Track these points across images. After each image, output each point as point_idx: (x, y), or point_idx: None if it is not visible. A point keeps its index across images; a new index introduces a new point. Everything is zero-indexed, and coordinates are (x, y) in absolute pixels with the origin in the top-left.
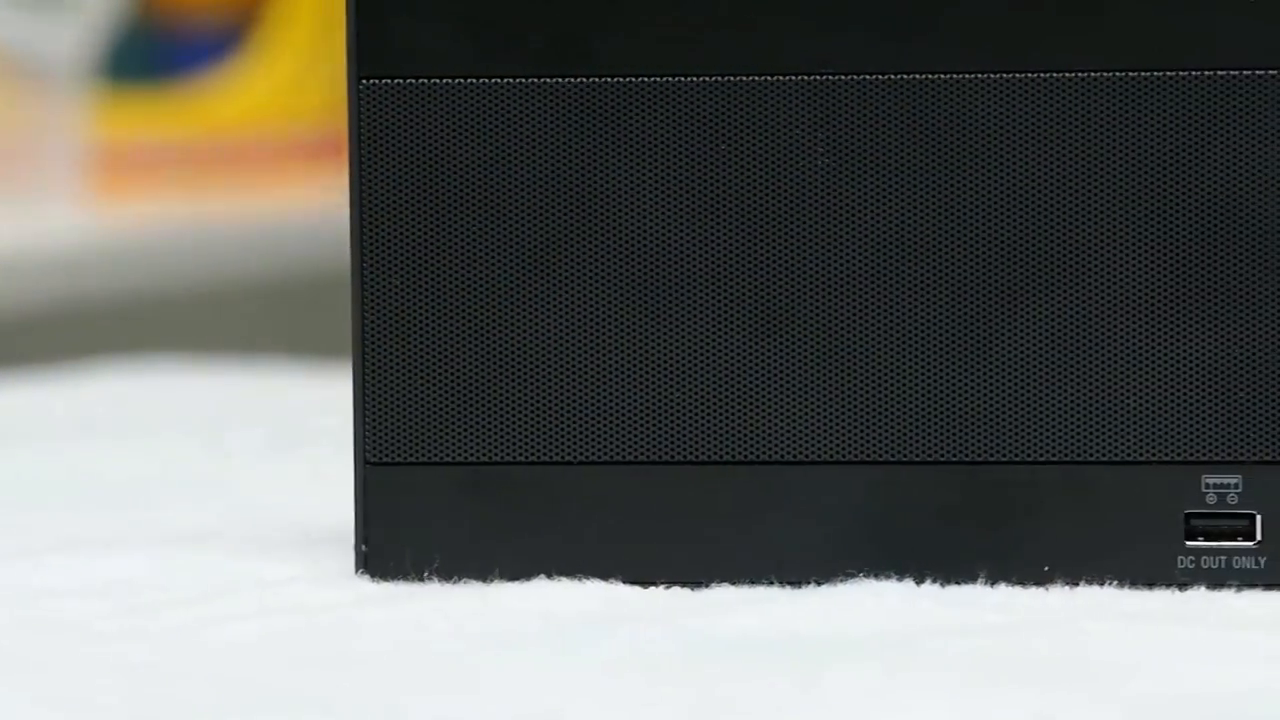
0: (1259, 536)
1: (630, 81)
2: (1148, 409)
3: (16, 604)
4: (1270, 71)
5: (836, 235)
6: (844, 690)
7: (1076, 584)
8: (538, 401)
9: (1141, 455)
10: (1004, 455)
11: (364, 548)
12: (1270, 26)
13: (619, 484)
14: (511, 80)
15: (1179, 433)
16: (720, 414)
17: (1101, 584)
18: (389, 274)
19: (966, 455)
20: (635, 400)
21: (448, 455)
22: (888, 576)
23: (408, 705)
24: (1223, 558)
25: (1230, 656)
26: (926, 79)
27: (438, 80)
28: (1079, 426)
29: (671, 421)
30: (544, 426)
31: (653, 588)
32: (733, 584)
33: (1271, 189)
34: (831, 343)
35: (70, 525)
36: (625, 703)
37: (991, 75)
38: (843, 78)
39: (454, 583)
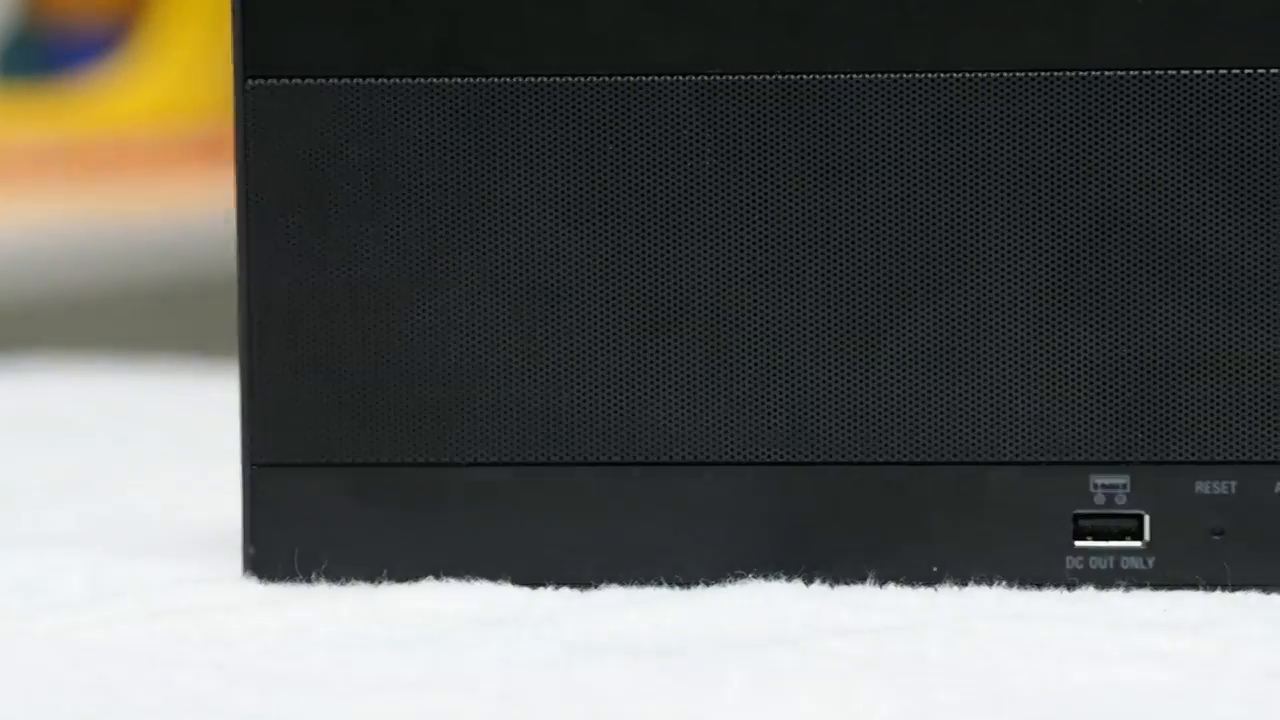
0: (1147, 537)
1: (516, 82)
2: (1036, 410)
3: None
4: (1156, 72)
5: (725, 235)
6: (732, 690)
7: (965, 584)
8: (425, 403)
9: (1030, 456)
10: (893, 456)
11: (251, 550)
12: (1156, 27)
13: (507, 485)
14: (398, 81)
15: (1067, 433)
16: (609, 415)
17: (990, 584)
18: (275, 275)
19: (855, 456)
20: (523, 401)
21: (335, 457)
22: (777, 577)
23: (293, 706)
24: (1111, 558)
25: (1117, 656)
26: (814, 79)
27: (324, 81)
28: (968, 427)
29: (560, 422)
30: (432, 427)
31: (541, 589)
32: (622, 585)
33: (1157, 189)
34: (720, 343)
35: None
36: (508, 704)
37: (879, 75)
38: (730, 78)
39: (341, 584)
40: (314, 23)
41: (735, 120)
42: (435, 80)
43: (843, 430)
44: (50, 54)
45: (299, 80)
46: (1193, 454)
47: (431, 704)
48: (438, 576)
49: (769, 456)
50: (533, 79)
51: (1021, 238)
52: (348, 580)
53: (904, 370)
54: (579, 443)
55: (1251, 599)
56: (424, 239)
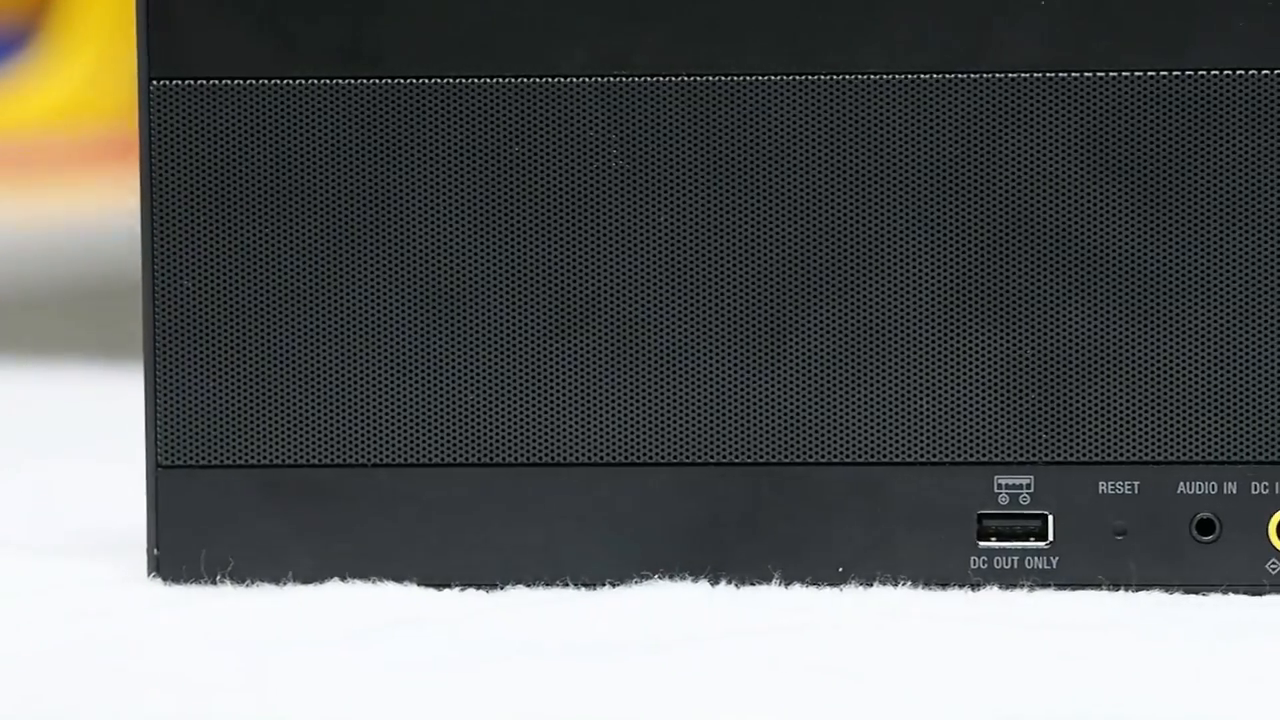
0: (1051, 537)
1: (423, 83)
2: (940, 410)
3: None
4: (1059, 74)
5: (630, 237)
6: (638, 691)
7: (870, 584)
8: (331, 404)
9: (934, 456)
10: (798, 457)
11: (156, 551)
12: (1058, 29)
13: (413, 486)
14: (303, 81)
15: (971, 434)
16: (514, 416)
17: (895, 584)
18: (180, 277)
19: (760, 457)
20: (429, 402)
21: (240, 458)
22: (683, 578)
23: (198, 708)
24: (1015, 558)
25: (1022, 656)
26: (718, 81)
27: (229, 81)
28: (872, 428)
29: (466, 423)
30: (338, 429)
31: (447, 590)
32: (528, 586)
33: (1060, 191)
34: (625, 345)
35: None
36: (412, 705)
37: (783, 77)
38: (635, 79)
39: (247, 586)
40: (219, 23)
41: (640, 122)
42: (341, 81)
43: (748, 431)
44: None
45: (204, 81)
46: (1096, 454)
47: (337, 705)
48: (343, 578)
49: (674, 458)
50: (439, 80)
51: (925, 239)
52: (253, 582)
53: (808, 371)
54: (484, 444)
55: (1154, 598)
56: (329, 240)
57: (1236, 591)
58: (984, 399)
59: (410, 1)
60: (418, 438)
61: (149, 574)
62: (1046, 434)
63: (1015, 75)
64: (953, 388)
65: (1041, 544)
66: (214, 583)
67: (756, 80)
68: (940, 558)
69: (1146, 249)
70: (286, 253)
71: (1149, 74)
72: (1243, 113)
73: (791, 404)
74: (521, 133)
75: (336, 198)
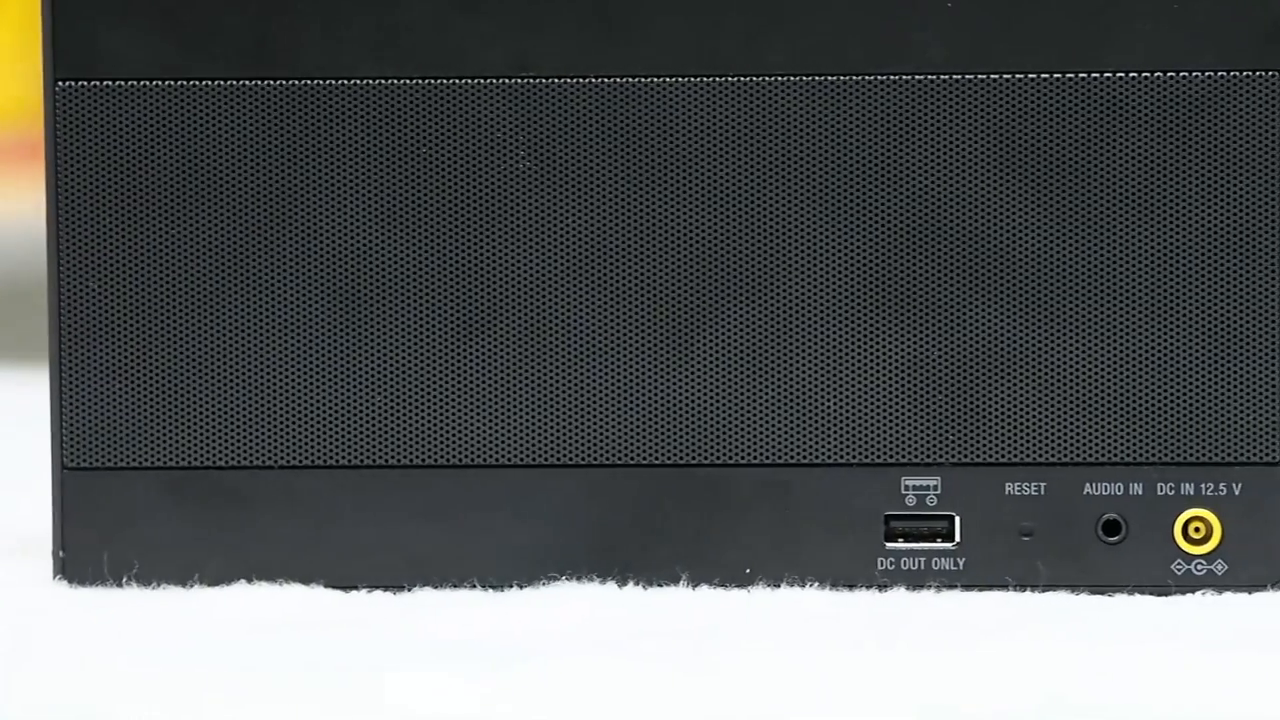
0: (958, 538)
1: (330, 84)
2: (847, 412)
3: None
4: (967, 76)
5: (539, 238)
6: (545, 692)
7: (778, 586)
8: (238, 406)
9: (841, 457)
10: (705, 458)
11: (61, 553)
12: (967, 31)
13: (320, 488)
14: (210, 82)
15: (878, 435)
16: (422, 418)
17: (803, 586)
18: (86, 278)
19: (668, 458)
20: (336, 404)
21: (147, 460)
22: (590, 580)
23: (102, 711)
24: (922, 559)
25: (928, 656)
26: (627, 82)
27: (135, 82)
28: (780, 429)
29: (373, 425)
30: (244, 431)
31: (354, 592)
32: (435, 588)
33: (969, 193)
34: (533, 346)
35: None
36: (319, 707)
37: (689, 78)
38: (543, 81)
39: (153, 588)
40: (125, 24)
41: (549, 123)
42: (248, 82)
43: (656, 432)
44: None
45: (110, 82)
46: (1002, 455)
47: (244, 707)
48: (250, 580)
49: (582, 459)
50: (346, 81)
51: (833, 241)
52: (159, 584)
53: (716, 373)
54: (391, 446)
55: (1060, 599)
56: (236, 241)
57: (1142, 592)
58: (891, 400)
59: (318, 2)
60: (324, 440)
61: (54, 576)
62: (953, 435)
63: (923, 77)
64: (860, 389)
65: (948, 545)
66: (120, 585)
67: (665, 82)
68: (848, 559)
69: (1053, 251)
70: (193, 254)
71: (1055, 76)
72: (1147, 115)
73: (700, 405)
74: (430, 133)
75: (243, 199)
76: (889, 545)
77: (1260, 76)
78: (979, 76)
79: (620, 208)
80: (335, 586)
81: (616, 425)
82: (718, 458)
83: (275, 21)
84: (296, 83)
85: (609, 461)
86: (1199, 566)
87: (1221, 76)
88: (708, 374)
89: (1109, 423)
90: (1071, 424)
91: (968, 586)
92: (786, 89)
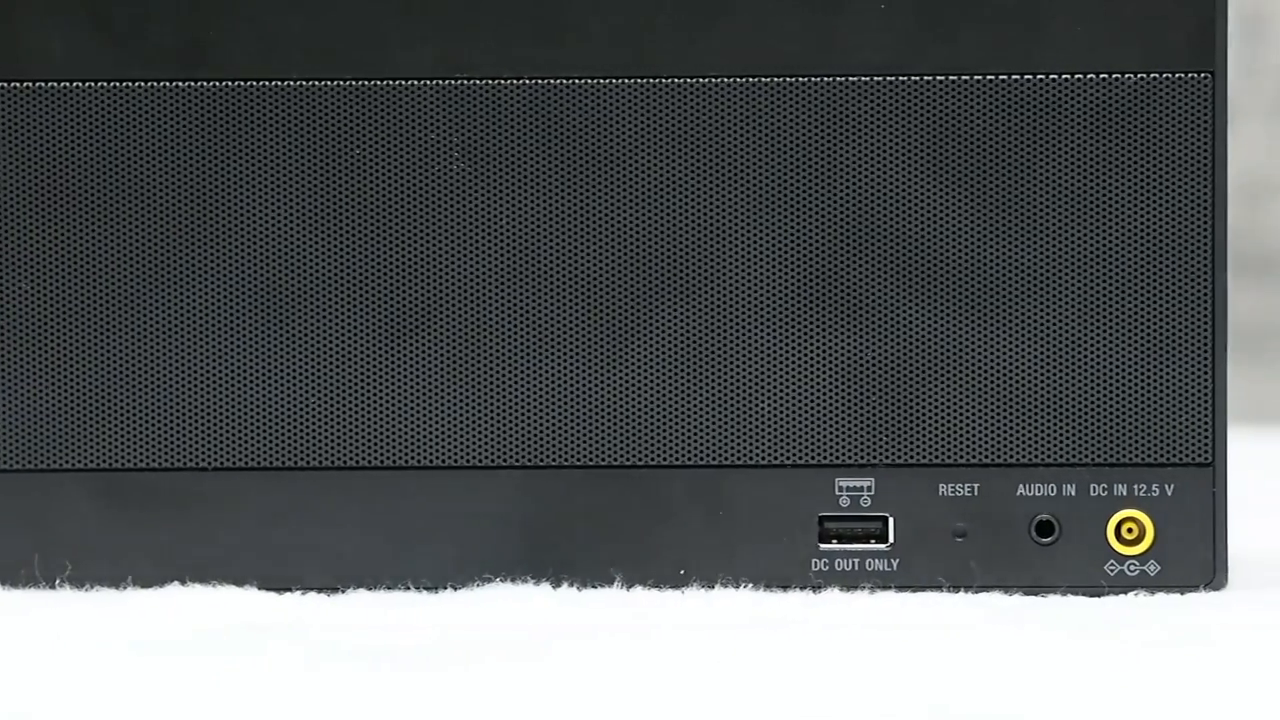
0: (891, 539)
1: (260, 85)
2: (781, 413)
3: None
4: (901, 78)
5: (471, 240)
6: (478, 693)
7: (712, 587)
8: (170, 407)
9: (775, 459)
10: (639, 459)
11: None
12: (900, 33)
13: (254, 490)
14: (139, 84)
15: (812, 436)
16: (356, 419)
17: (737, 586)
18: (14, 279)
19: (602, 460)
20: (269, 406)
21: (78, 462)
22: (525, 580)
23: (36, 713)
24: (856, 560)
25: (862, 657)
26: (560, 84)
27: (64, 84)
28: (714, 430)
29: (306, 427)
30: (176, 433)
31: (288, 594)
32: (369, 589)
33: (903, 194)
34: (466, 348)
35: None
36: (252, 709)
37: (626, 80)
38: (475, 82)
39: (86, 590)
40: (53, 26)
41: (481, 125)
42: (177, 84)
43: (590, 434)
44: None
45: (38, 83)
46: (936, 457)
47: (178, 708)
48: (183, 582)
49: (516, 460)
50: (277, 83)
51: (767, 243)
52: (92, 586)
53: (650, 374)
54: (324, 447)
55: (994, 600)
56: (167, 243)
57: (1075, 593)
58: (825, 402)
59: (248, 4)
60: (257, 441)
61: None
62: (887, 437)
63: (856, 79)
64: (794, 390)
65: (882, 546)
66: (53, 587)
67: (598, 83)
68: (782, 560)
69: (986, 252)
70: (121, 256)
71: (988, 77)
72: (1079, 116)
73: (634, 407)
74: (362, 135)
75: (173, 200)
76: (823, 546)
77: (1189, 78)
78: (912, 78)
79: (554, 209)
80: (269, 588)
81: (551, 427)
82: (652, 459)
83: (207, 23)
84: (228, 84)
85: (544, 463)
86: (1132, 567)
87: (1151, 78)
88: (642, 375)
89: (1042, 424)
90: (1005, 425)
91: (901, 587)
92: (720, 90)
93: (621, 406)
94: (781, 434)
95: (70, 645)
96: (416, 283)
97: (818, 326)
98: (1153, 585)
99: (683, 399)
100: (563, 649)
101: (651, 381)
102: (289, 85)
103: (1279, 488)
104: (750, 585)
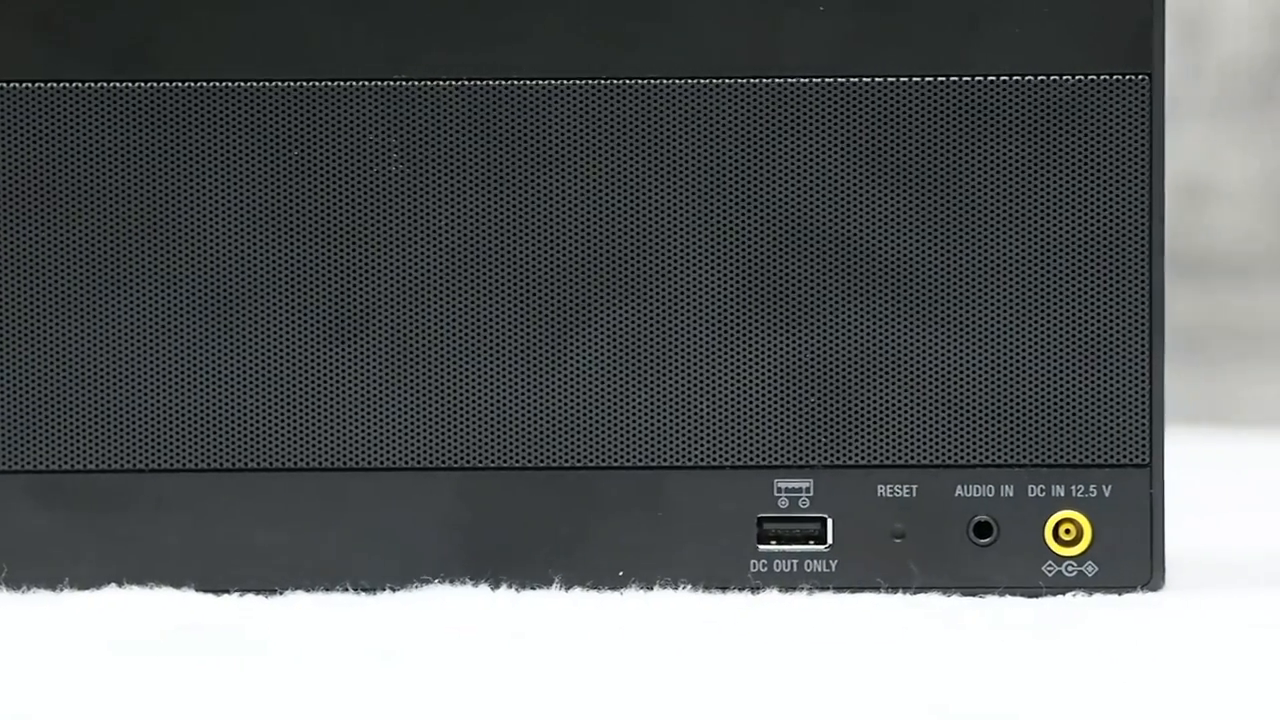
0: (830, 540)
1: (200, 86)
2: (720, 414)
3: None
4: (838, 79)
5: (411, 241)
6: (417, 695)
7: (651, 588)
8: (107, 409)
9: (714, 460)
10: (578, 461)
11: None
12: (837, 34)
13: (191, 491)
14: (79, 85)
15: (751, 438)
16: (294, 420)
17: (676, 588)
18: None
19: (541, 461)
20: (207, 407)
21: (14, 463)
22: (463, 583)
23: None
24: (795, 561)
25: (800, 657)
26: (500, 85)
27: (3, 85)
28: (652, 432)
29: (244, 428)
30: (114, 434)
31: (226, 596)
32: (307, 591)
33: (839, 195)
34: (405, 349)
35: None
36: (190, 711)
37: (565, 82)
38: (415, 83)
39: (22, 592)
40: None
41: (422, 126)
42: (118, 84)
43: (528, 435)
44: None
45: None
46: (874, 457)
47: (112, 710)
48: (120, 584)
49: (455, 462)
50: (217, 83)
51: (706, 244)
52: (29, 588)
53: (589, 375)
54: (263, 449)
55: (932, 600)
56: (105, 244)
57: (1013, 594)
58: (764, 403)
59: (188, 5)
60: (195, 442)
61: None
62: (826, 437)
63: (796, 80)
64: (733, 392)
65: (821, 547)
66: None
67: (539, 84)
68: (720, 561)
69: (925, 254)
70: (62, 257)
71: (926, 79)
72: (1016, 117)
73: (572, 408)
74: (303, 136)
75: (112, 201)
76: (761, 548)
77: (1127, 79)
78: (851, 80)
79: (494, 210)
80: (207, 590)
81: (490, 428)
82: (591, 460)
83: (149, 24)
84: (166, 85)
85: (482, 464)
86: (1069, 568)
87: (1090, 80)
88: (580, 377)
89: (980, 425)
90: (943, 426)
91: (840, 588)
92: (659, 92)
93: (560, 408)
94: (720, 435)
95: (5, 648)
96: (356, 284)
97: (757, 328)
98: (1090, 586)
99: (621, 400)
100: (500, 651)
101: (590, 383)
102: (229, 86)
103: (1217, 488)
104: (689, 587)
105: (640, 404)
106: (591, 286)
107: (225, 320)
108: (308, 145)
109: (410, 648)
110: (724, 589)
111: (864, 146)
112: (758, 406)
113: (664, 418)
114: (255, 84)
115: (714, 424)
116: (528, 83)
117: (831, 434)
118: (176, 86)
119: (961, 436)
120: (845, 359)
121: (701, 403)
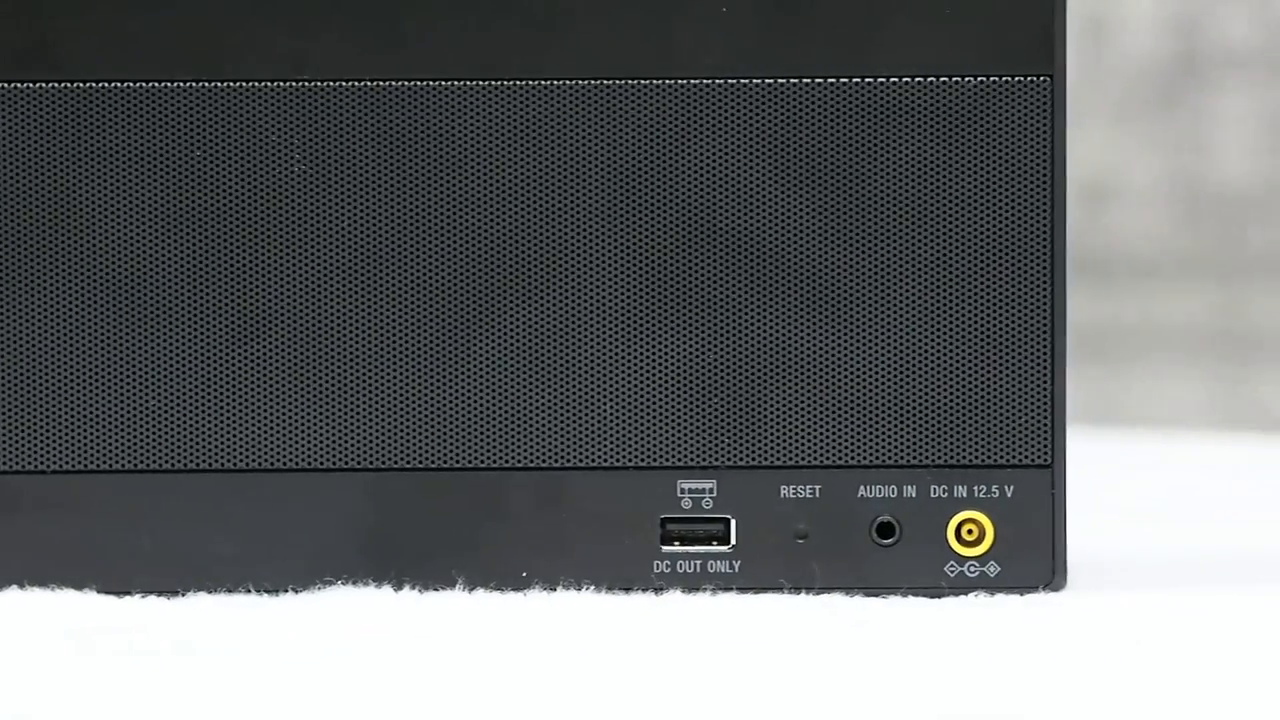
0: (733, 540)
1: (102, 87)
2: (623, 415)
3: None
4: (743, 80)
5: (314, 242)
6: (322, 696)
7: (554, 589)
8: (6, 409)
9: (617, 461)
10: (481, 462)
11: None
12: (742, 35)
13: (93, 492)
14: None
15: (654, 438)
16: (196, 422)
17: (579, 589)
18: None
19: (443, 462)
20: (109, 407)
21: None
22: (366, 584)
23: None
24: (698, 562)
25: (703, 658)
26: (404, 85)
27: None
28: (555, 433)
29: (147, 429)
30: (14, 434)
31: (128, 597)
32: (210, 593)
33: (744, 196)
34: (309, 350)
35: None
36: (89, 712)
37: (468, 83)
38: (318, 84)
39: None
40: None
41: (322, 127)
42: (17, 85)
43: (431, 436)
44: None
45: None
46: (778, 458)
47: (16, 712)
48: (22, 585)
49: (358, 463)
50: (118, 84)
51: (610, 246)
52: None
53: (492, 376)
54: (165, 449)
55: (835, 601)
56: (5, 243)
57: (916, 594)
58: (667, 403)
59: (86, 5)
60: (97, 443)
61: None
62: (729, 438)
63: (699, 81)
64: (636, 392)
65: (724, 548)
66: None
67: (439, 85)
68: (624, 562)
69: (827, 255)
70: None
71: (830, 81)
72: (919, 119)
73: (475, 409)
74: (205, 137)
75: (11, 202)
76: (665, 548)
77: (1028, 81)
78: (754, 81)
79: (395, 211)
80: (109, 592)
81: (392, 429)
82: (493, 461)
83: (49, 23)
84: (68, 85)
85: (385, 465)
86: (972, 568)
87: (991, 81)
88: (483, 377)
89: (883, 426)
90: (846, 427)
91: (743, 589)
92: (562, 93)
93: (463, 409)
94: (623, 436)
95: None
96: (258, 285)
97: (660, 329)
98: (992, 586)
99: (524, 401)
100: (403, 652)
101: (493, 384)
102: (130, 86)
103: (1119, 488)
104: (592, 587)
105: (543, 405)
106: (494, 287)
107: (124, 320)
108: (208, 146)
109: (313, 649)
110: (627, 590)
111: (767, 147)
112: (661, 407)
113: (567, 418)
114: (156, 85)
115: (617, 425)
116: (428, 84)
117: (735, 435)
118: (77, 87)
119: (864, 437)
120: (749, 360)
121: (605, 403)
